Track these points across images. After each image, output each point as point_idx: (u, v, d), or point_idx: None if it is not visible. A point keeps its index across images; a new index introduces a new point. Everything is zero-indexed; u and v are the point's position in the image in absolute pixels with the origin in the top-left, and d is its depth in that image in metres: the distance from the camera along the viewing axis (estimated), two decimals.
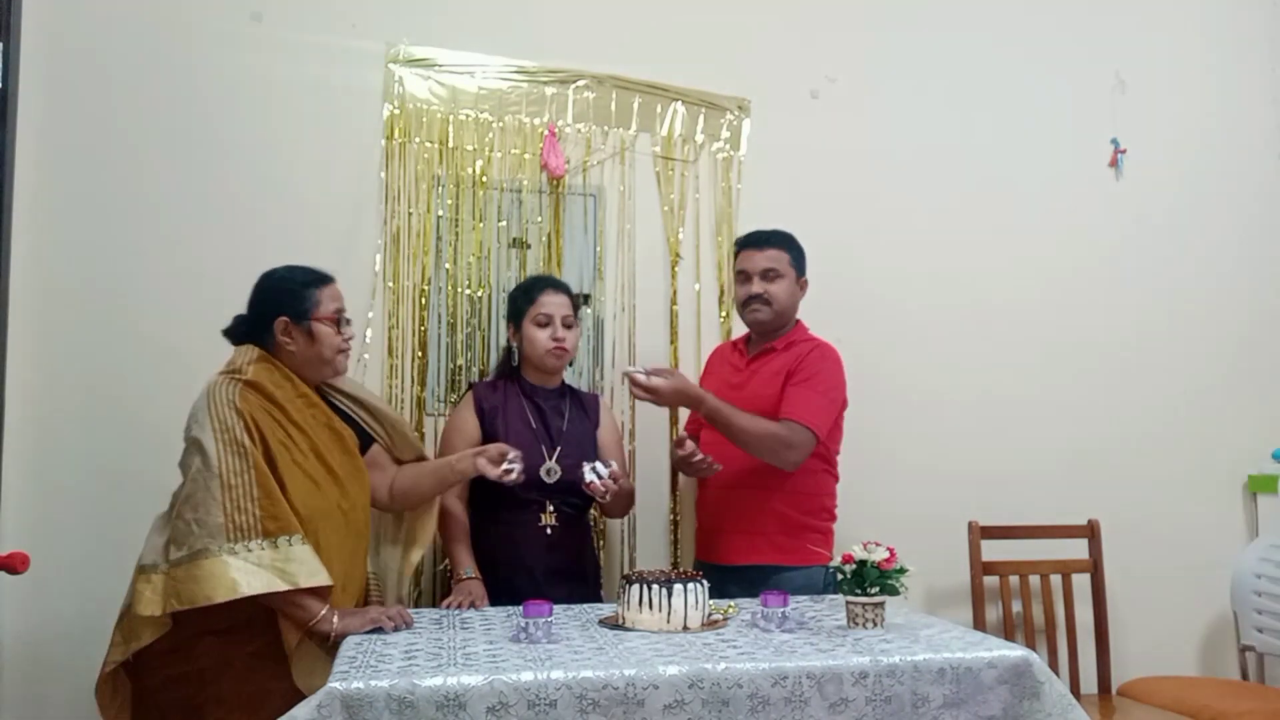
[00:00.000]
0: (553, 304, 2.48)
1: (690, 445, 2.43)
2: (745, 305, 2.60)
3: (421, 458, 2.43)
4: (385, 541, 2.42)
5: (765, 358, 2.60)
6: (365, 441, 2.30)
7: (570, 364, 2.64)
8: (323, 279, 2.19)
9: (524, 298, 2.52)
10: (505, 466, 2.23)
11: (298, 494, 2.00)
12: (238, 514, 1.90)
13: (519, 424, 2.47)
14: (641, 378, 2.36)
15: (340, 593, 2.05)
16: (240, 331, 2.17)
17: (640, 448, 2.91)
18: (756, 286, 2.57)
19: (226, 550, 1.87)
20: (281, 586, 1.88)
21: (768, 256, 2.59)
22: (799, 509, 2.50)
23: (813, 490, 2.53)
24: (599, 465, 2.36)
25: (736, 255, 2.67)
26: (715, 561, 2.55)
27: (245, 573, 1.86)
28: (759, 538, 2.50)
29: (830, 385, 2.52)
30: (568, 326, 2.49)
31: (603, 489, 2.32)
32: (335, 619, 1.94)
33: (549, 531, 2.41)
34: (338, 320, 2.16)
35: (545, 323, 2.47)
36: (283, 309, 2.13)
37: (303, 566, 1.91)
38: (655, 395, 2.39)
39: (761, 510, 2.49)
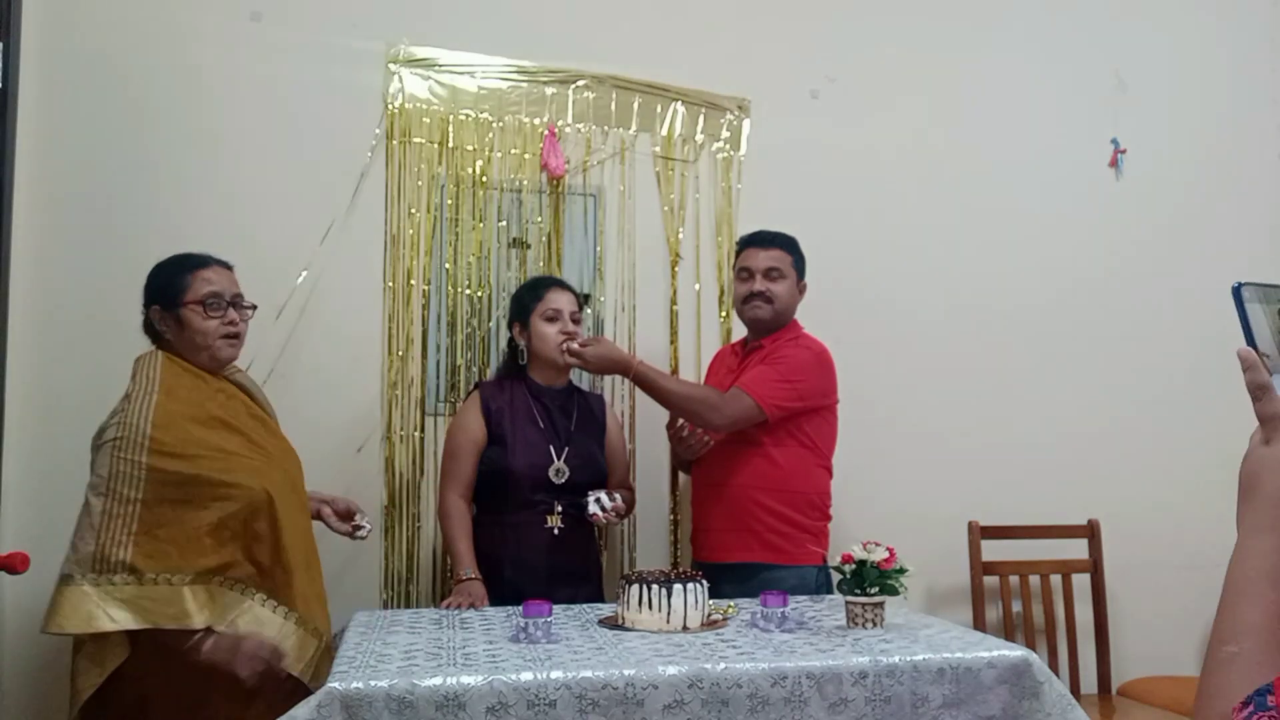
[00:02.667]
0: (560, 299, 2.50)
1: (680, 423, 2.54)
2: (746, 301, 2.60)
3: None
4: None
5: (755, 355, 2.60)
6: None
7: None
8: (197, 263, 2.09)
9: (530, 295, 2.53)
10: (356, 523, 2.26)
11: (247, 484, 1.95)
12: (111, 545, 1.81)
13: (526, 424, 2.47)
14: (575, 346, 2.46)
15: (304, 570, 2.01)
16: (147, 328, 2.11)
17: (640, 447, 2.91)
18: (759, 284, 2.57)
19: (90, 581, 1.79)
20: (136, 625, 1.79)
21: (772, 256, 2.59)
22: (790, 506, 2.50)
23: (804, 487, 2.52)
24: (603, 498, 2.39)
25: (739, 253, 2.67)
26: (707, 559, 2.56)
27: (103, 605, 1.78)
28: (749, 535, 2.50)
29: (793, 369, 2.51)
30: (575, 322, 2.51)
31: (604, 521, 2.41)
32: (207, 644, 1.86)
33: (555, 533, 2.41)
34: (204, 303, 2.04)
35: (554, 317, 2.48)
36: (156, 298, 2.08)
37: (169, 608, 1.82)
38: (582, 360, 2.48)
39: (752, 507, 2.49)
